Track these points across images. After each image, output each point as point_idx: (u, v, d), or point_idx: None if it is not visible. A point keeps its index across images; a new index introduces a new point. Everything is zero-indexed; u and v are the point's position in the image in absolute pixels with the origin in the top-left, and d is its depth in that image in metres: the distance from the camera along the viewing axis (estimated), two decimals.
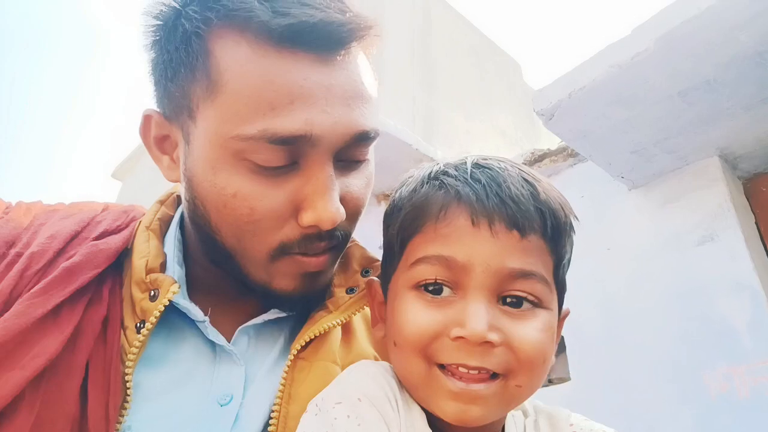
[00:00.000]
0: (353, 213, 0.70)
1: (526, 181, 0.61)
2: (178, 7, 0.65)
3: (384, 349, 0.79)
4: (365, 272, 0.78)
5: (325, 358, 0.70)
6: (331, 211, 0.63)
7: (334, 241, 0.68)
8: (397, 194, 0.67)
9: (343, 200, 0.66)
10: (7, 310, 0.60)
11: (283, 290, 0.69)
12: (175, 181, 0.72)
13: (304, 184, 0.63)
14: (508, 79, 6.05)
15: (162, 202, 0.80)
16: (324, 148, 0.63)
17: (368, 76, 0.68)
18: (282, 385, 0.67)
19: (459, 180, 0.61)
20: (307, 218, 0.63)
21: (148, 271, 0.68)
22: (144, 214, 0.78)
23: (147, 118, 0.71)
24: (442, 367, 0.57)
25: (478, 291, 0.57)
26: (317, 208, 0.63)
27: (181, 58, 0.64)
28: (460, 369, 0.56)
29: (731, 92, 2.00)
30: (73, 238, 0.70)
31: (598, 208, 2.65)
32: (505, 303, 0.58)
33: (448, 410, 0.57)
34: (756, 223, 2.37)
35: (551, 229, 0.60)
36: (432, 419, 0.61)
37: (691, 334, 2.21)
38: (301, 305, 0.73)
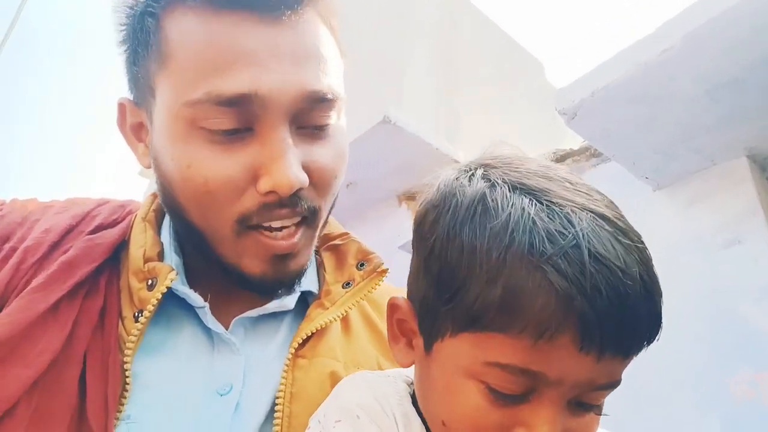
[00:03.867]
0: (320, 184, 0.67)
1: (646, 286, 0.54)
2: None
3: (398, 358, 0.77)
4: (360, 266, 0.77)
5: (325, 355, 0.70)
6: (288, 175, 0.61)
7: (298, 209, 0.66)
8: (468, 230, 0.55)
9: (307, 170, 0.64)
10: (2, 305, 0.61)
11: (252, 273, 0.68)
12: (148, 167, 0.71)
13: (259, 150, 0.62)
14: (531, 79, 6.00)
15: (157, 194, 0.79)
16: (276, 111, 0.61)
17: (326, 41, 0.67)
18: (282, 384, 0.66)
19: (572, 281, 0.49)
20: (264, 184, 0.62)
21: (146, 260, 0.68)
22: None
23: (121, 107, 0.72)
24: None
25: (557, 401, 0.52)
26: (272, 173, 0.61)
27: (138, 39, 0.66)
28: None
29: (760, 91, 1.94)
30: (69, 231, 0.70)
31: (622, 209, 2.58)
32: (572, 403, 0.54)
33: None
34: None
35: (649, 342, 0.54)
36: None
37: (716, 338, 2.16)
38: (274, 291, 0.72)
